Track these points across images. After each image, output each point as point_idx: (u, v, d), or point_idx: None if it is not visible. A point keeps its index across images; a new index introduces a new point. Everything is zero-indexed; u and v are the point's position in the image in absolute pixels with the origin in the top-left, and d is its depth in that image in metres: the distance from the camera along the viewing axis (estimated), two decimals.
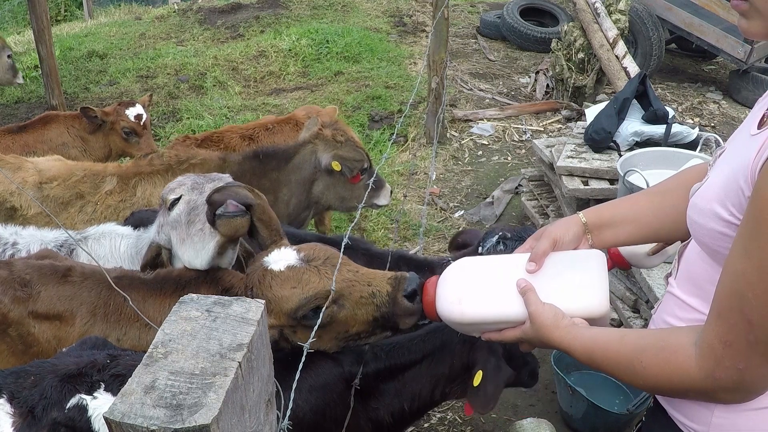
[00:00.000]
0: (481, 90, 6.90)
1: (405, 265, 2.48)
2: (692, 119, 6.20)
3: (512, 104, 6.53)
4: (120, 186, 3.16)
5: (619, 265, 2.00)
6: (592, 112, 4.34)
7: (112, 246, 2.45)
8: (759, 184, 1.05)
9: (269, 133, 4.12)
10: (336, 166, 3.20)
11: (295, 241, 1.99)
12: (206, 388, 0.89)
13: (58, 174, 3.19)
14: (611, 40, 5.66)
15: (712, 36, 6.39)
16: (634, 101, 4.25)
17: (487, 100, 6.68)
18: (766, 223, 1.02)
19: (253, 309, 1.02)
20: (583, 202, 4.05)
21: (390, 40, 8.24)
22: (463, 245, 2.60)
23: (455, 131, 6.12)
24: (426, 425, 3.18)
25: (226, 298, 1.04)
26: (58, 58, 6.82)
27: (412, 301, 1.74)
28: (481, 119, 6.28)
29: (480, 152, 5.81)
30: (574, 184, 4.02)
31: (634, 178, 3.25)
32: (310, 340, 1.56)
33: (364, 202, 3.12)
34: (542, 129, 6.07)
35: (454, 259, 1.80)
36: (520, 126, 6.16)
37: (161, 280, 2.07)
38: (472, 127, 6.16)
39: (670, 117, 4.09)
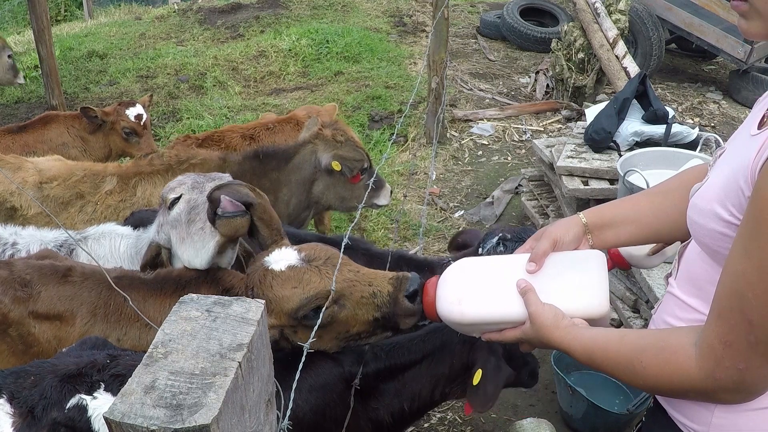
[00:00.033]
0: (481, 90, 6.90)
1: (405, 266, 2.48)
2: (692, 119, 6.20)
3: (512, 104, 6.53)
4: (120, 186, 3.16)
5: (619, 265, 2.00)
6: (592, 112, 4.34)
7: (112, 246, 2.45)
8: (759, 184, 1.05)
9: (270, 133, 4.12)
10: (336, 166, 3.20)
11: (295, 241, 1.99)
12: (206, 388, 0.89)
13: (58, 174, 3.19)
14: (611, 40, 5.66)
15: (712, 36, 6.39)
16: (634, 101, 4.25)
17: (487, 100, 6.68)
18: (766, 223, 1.02)
19: (253, 309, 1.02)
20: (583, 202, 4.05)
21: (390, 40, 8.24)
22: (463, 246, 2.60)
23: (455, 131, 6.12)
24: (426, 425, 3.18)
25: (226, 298, 1.04)
26: (58, 58, 6.82)
27: (412, 301, 1.74)
28: (481, 119, 6.28)
29: (480, 152, 5.81)
30: (574, 184, 4.02)
31: (634, 178, 3.25)
32: (310, 340, 1.56)
33: (364, 202, 3.12)
34: (542, 129, 6.07)
35: (454, 260, 1.80)
36: (520, 126, 6.16)
37: (161, 280, 2.07)
38: (472, 127, 6.16)
39: (670, 117, 4.09)
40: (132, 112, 4.46)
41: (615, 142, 4.15)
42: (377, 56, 7.60)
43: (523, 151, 5.79)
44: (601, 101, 4.98)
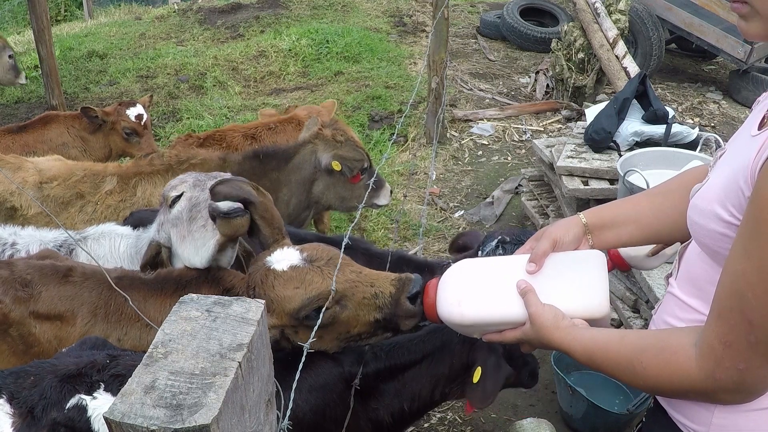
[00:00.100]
0: (481, 90, 6.90)
1: (405, 266, 2.48)
2: (692, 119, 6.20)
3: (512, 104, 6.53)
4: (120, 186, 3.16)
5: (618, 266, 2.00)
6: (592, 112, 4.34)
7: (112, 246, 2.45)
8: (759, 184, 1.05)
9: (272, 133, 4.12)
10: (336, 165, 3.20)
11: (295, 240, 1.99)
12: (206, 388, 0.89)
13: (58, 174, 3.19)
14: (611, 40, 5.66)
15: (712, 36, 6.39)
16: (634, 101, 4.25)
17: (487, 100, 6.68)
18: (765, 223, 1.02)
19: (253, 309, 1.02)
20: (583, 202, 4.05)
21: (390, 40, 8.24)
22: (463, 248, 2.60)
23: (455, 131, 6.12)
24: (426, 425, 3.18)
25: (226, 298, 1.04)
26: (58, 58, 6.82)
27: (413, 303, 1.75)
28: (481, 119, 6.28)
29: (480, 152, 5.81)
30: (574, 184, 4.02)
31: (634, 178, 3.25)
32: (310, 340, 1.56)
33: (364, 202, 3.12)
34: (542, 129, 6.07)
35: (454, 261, 1.80)
36: (520, 126, 6.16)
37: (162, 281, 2.07)
38: (472, 127, 6.16)
39: (670, 117, 4.09)
40: (132, 112, 4.46)
41: (615, 142, 4.15)
42: (377, 56, 7.60)
43: (523, 151, 5.79)
44: (601, 101, 4.98)
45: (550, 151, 4.41)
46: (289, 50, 7.77)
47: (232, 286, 1.99)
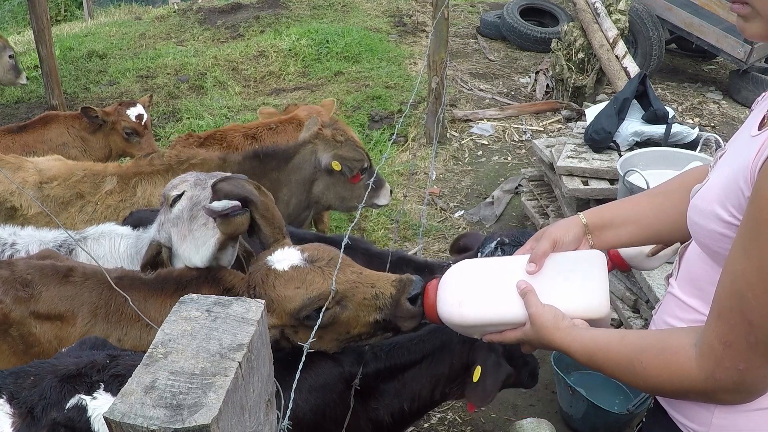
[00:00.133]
0: (481, 90, 6.90)
1: (405, 267, 2.48)
2: (692, 119, 6.20)
3: (512, 104, 6.53)
4: (120, 186, 3.16)
5: (618, 266, 2.00)
6: (592, 112, 4.34)
7: (112, 246, 2.45)
8: (758, 184, 1.05)
9: (272, 133, 4.12)
10: (336, 165, 3.20)
11: (295, 240, 1.99)
12: (206, 388, 0.89)
13: (58, 174, 3.19)
14: (611, 40, 5.66)
15: (712, 36, 6.39)
16: (634, 101, 4.25)
17: (487, 100, 6.68)
18: (765, 223, 1.02)
19: (253, 309, 1.02)
20: (583, 202, 4.05)
21: (390, 40, 8.24)
22: (464, 249, 2.60)
23: (455, 131, 6.12)
24: (426, 425, 3.18)
25: (226, 298, 1.04)
26: (58, 58, 6.82)
27: (414, 304, 1.75)
28: (481, 119, 6.28)
29: (480, 152, 5.81)
30: (574, 184, 4.02)
31: (634, 178, 3.25)
32: (310, 340, 1.56)
33: (364, 201, 3.12)
34: (542, 129, 6.07)
35: (454, 262, 1.80)
36: (520, 126, 6.16)
37: (162, 281, 2.07)
38: (472, 127, 6.16)
39: (670, 117, 4.09)
40: (133, 112, 4.46)
41: (615, 142, 4.15)
42: (377, 56, 7.60)
43: (523, 151, 5.79)
44: (601, 101, 4.98)
45: (550, 151, 4.41)
46: (289, 50, 7.77)
47: (233, 285, 1.99)
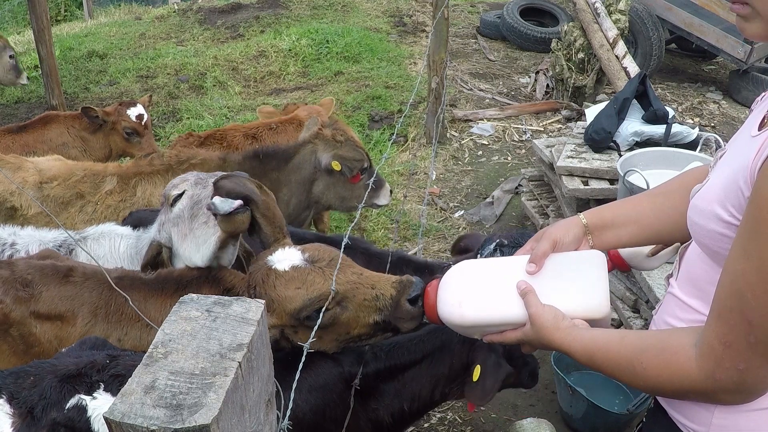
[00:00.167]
0: (481, 90, 6.90)
1: (405, 267, 2.48)
2: (692, 119, 6.20)
3: (512, 104, 6.53)
4: (120, 186, 3.16)
5: (618, 267, 2.00)
6: (592, 112, 4.34)
7: (112, 246, 2.45)
8: (758, 184, 1.05)
9: (273, 133, 4.12)
10: (336, 165, 3.20)
11: (295, 240, 1.99)
12: (206, 388, 0.89)
13: (58, 174, 3.19)
14: (611, 40, 5.66)
15: (712, 36, 6.39)
16: (634, 101, 4.25)
17: (487, 100, 6.68)
18: (765, 223, 1.02)
19: (253, 309, 1.02)
20: (583, 202, 4.05)
21: (390, 40, 8.24)
22: (465, 250, 2.60)
23: (455, 131, 6.12)
24: (426, 425, 3.18)
25: (226, 298, 1.04)
26: (58, 58, 6.82)
27: (414, 304, 1.75)
28: (481, 119, 6.28)
29: (480, 152, 5.81)
30: (574, 184, 4.02)
31: (634, 178, 3.25)
32: (310, 341, 1.56)
33: (364, 201, 3.12)
34: (542, 129, 6.07)
35: (455, 263, 1.80)
36: (520, 126, 6.16)
37: (162, 281, 2.07)
38: (472, 127, 6.16)
39: (670, 117, 4.09)
40: (133, 112, 4.46)
41: (615, 142, 4.15)
42: (377, 56, 7.60)
43: (523, 151, 5.79)
44: (601, 101, 4.98)
45: (550, 151, 4.41)
46: (289, 50, 7.77)
47: (233, 285, 1.99)
